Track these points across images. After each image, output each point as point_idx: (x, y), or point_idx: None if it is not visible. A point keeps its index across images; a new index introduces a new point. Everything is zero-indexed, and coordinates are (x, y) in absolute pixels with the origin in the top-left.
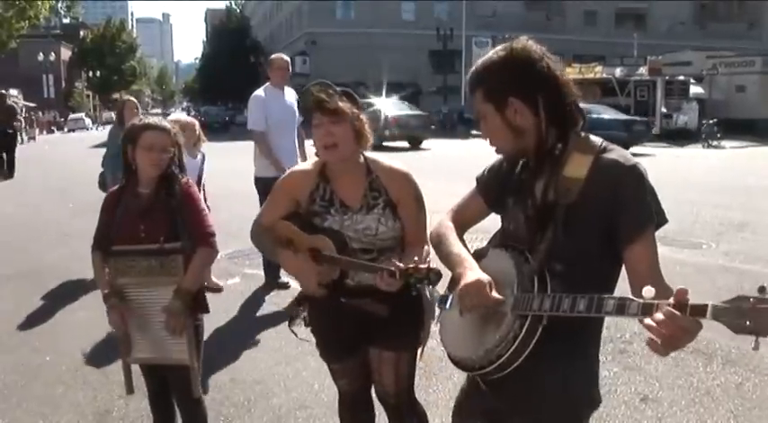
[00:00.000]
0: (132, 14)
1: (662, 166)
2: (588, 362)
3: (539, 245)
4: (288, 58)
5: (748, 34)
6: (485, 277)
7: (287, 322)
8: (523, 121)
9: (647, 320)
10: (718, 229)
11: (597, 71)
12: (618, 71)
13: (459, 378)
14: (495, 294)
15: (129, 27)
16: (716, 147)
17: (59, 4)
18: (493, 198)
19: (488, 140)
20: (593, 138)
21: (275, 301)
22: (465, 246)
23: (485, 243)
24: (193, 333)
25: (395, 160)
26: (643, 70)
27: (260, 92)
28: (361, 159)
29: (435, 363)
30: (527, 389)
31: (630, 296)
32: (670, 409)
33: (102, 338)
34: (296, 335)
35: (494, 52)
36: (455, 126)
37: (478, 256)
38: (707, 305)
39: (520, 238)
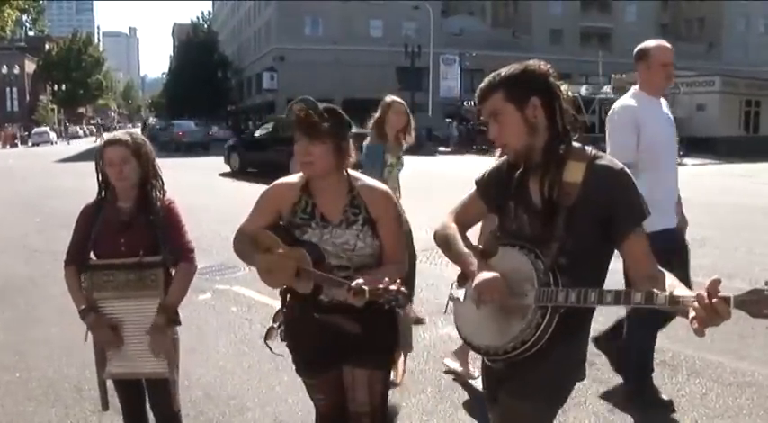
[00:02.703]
0: (99, 28)
1: None
2: (586, 342)
3: (550, 243)
4: None
5: (708, 54)
6: (498, 275)
7: (263, 337)
8: (539, 120)
9: (697, 310)
10: None
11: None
12: (583, 89)
13: (431, 391)
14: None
15: (96, 41)
16: (679, 164)
17: (24, 17)
18: (493, 200)
19: (499, 139)
20: (584, 147)
21: (247, 317)
22: (471, 244)
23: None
24: (171, 346)
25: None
26: (608, 88)
27: (629, 100)
28: (344, 175)
29: (408, 377)
30: (540, 363)
31: (656, 290)
32: (638, 420)
33: (74, 354)
34: (271, 349)
35: (509, 68)
36: (423, 143)
37: (487, 254)
38: (729, 297)
39: (525, 237)
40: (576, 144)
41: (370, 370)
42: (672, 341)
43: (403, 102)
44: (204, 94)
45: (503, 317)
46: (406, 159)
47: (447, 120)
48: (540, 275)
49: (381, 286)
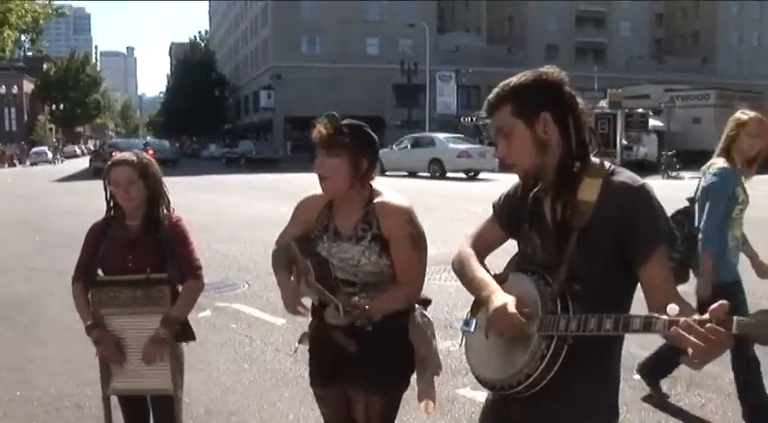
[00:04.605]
0: (96, 48)
1: None
2: (613, 379)
3: (559, 267)
4: None
5: (703, 68)
6: (512, 300)
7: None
8: (551, 136)
9: (679, 331)
10: None
11: None
12: None
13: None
14: (522, 317)
15: (93, 60)
16: (675, 177)
17: (23, 37)
18: (509, 223)
19: (507, 157)
20: (602, 161)
21: (247, 334)
22: (487, 271)
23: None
24: (176, 362)
25: (401, 195)
26: (603, 103)
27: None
28: (365, 190)
29: (408, 390)
30: (553, 403)
31: (656, 314)
32: None
33: (74, 372)
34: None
35: (519, 76)
36: None
37: (499, 281)
38: (732, 320)
39: (537, 262)
40: (593, 159)
41: (369, 394)
42: None
43: (765, 120)
44: (202, 112)
45: (508, 349)
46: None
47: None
48: (547, 302)
49: (351, 303)
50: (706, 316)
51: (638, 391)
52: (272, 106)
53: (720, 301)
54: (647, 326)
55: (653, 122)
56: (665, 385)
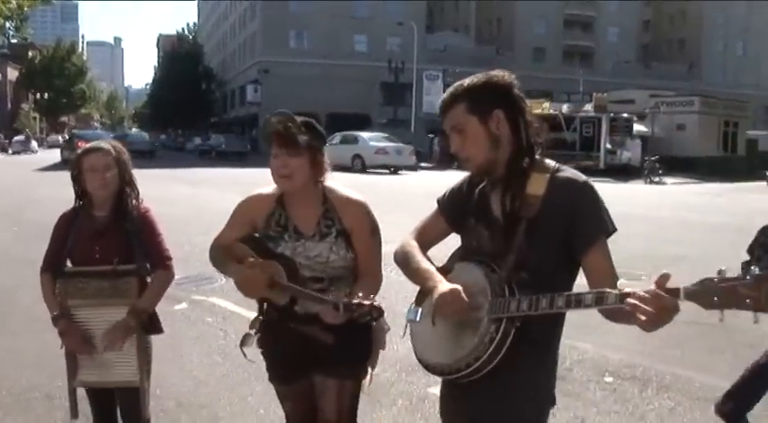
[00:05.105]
0: (83, 37)
1: (605, 201)
2: (554, 365)
3: (507, 256)
4: None
5: (689, 75)
6: (458, 286)
7: (239, 343)
8: (503, 132)
9: (632, 300)
10: (656, 262)
11: (545, 107)
12: (565, 107)
13: (402, 403)
14: (471, 300)
15: (80, 49)
16: (658, 183)
17: (8, 24)
18: (455, 217)
19: (461, 152)
20: (547, 160)
21: (222, 328)
22: (431, 262)
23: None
24: (143, 354)
25: (352, 190)
26: (589, 107)
27: None
28: (319, 187)
29: (380, 389)
30: (500, 389)
31: (606, 289)
32: None
33: (45, 363)
34: (245, 355)
35: (472, 78)
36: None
37: (444, 271)
38: (678, 288)
39: (485, 253)
40: (538, 157)
41: (342, 380)
42: (643, 356)
43: None
44: (188, 105)
45: (457, 333)
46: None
47: (429, 135)
48: (495, 288)
49: (356, 302)
50: (653, 287)
51: (609, 392)
52: (259, 101)
53: (663, 273)
54: (599, 300)
55: (637, 127)
56: (635, 388)
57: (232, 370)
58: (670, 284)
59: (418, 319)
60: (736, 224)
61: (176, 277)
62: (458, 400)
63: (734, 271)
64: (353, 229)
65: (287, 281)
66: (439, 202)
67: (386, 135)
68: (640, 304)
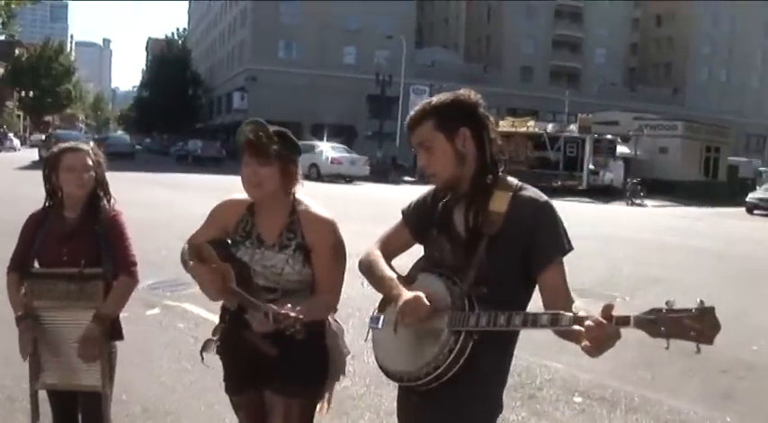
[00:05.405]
0: (72, 37)
1: (585, 221)
2: (506, 374)
3: (468, 270)
4: None
5: (673, 99)
6: (422, 294)
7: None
8: (468, 150)
9: (578, 327)
10: (634, 284)
11: (530, 125)
12: (550, 126)
13: (370, 417)
14: (433, 306)
15: (68, 49)
16: (639, 205)
17: None
18: (418, 229)
19: (428, 167)
20: (509, 178)
21: (193, 334)
22: (395, 271)
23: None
24: (107, 359)
25: (325, 207)
26: (573, 127)
27: None
28: (289, 199)
29: (348, 401)
30: (455, 396)
31: (561, 311)
32: None
33: (10, 365)
34: (202, 359)
35: (440, 96)
36: (388, 171)
37: (407, 280)
38: (629, 316)
39: (446, 265)
40: (501, 175)
41: (288, 399)
42: (613, 378)
43: None
44: (174, 110)
45: (417, 342)
46: (368, 187)
47: (413, 149)
48: (456, 300)
49: (283, 312)
50: (599, 315)
51: (578, 412)
52: (245, 108)
53: (606, 304)
54: (554, 321)
55: (621, 149)
56: (603, 409)
57: (200, 377)
58: (619, 312)
59: (380, 326)
60: (716, 249)
61: (150, 282)
62: (415, 406)
63: (687, 302)
64: (314, 246)
65: (236, 285)
66: (403, 212)
67: (343, 146)
68: (587, 332)
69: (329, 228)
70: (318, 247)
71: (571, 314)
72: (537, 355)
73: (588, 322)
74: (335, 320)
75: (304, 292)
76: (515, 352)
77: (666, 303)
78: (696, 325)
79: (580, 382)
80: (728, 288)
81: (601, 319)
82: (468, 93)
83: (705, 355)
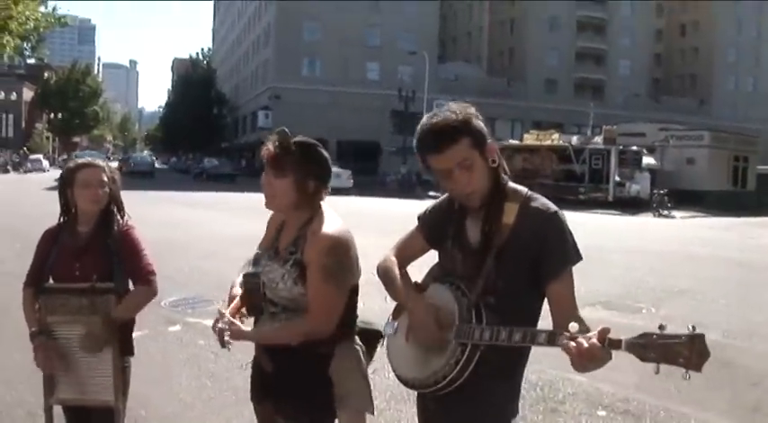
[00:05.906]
0: (99, 59)
1: (612, 233)
2: (517, 380)
3: (476, 281)
4: None
5: (699, 110)
6: (432, 311)
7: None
8: (498, 163)
9: (572, 344)
10: (660, 295)
11: (554, 138)
12: (574, 139)
13: None
14: (440, 328)
15: (96, 71)
16: (666, 216)
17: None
18: (433, 236)
19: (468, 186)
20: (518, 187)
21: (213, 350)
22: (409, 279)
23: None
24: (121, 375)
25: (335, 223)
26: (598, 139)
27: None
28: (308, 213)
29: (368, 417)
30: (468, 403)
31: (558, 330)
32: None
33: (33, 380)
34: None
35: (450, 113)
36: (413, 187)
37: (420, 289)
38: (621, 340)
39: (457, 275)
40: (510, 185)
41: (283, 418)
42: (638, 390)
43: None
44: (199, 129)
45: (427, 351)
46: (393, 202)
47: (428, 169)
48: (463, 312)
49: (219, 327)
50: (596, 337)
51: None
52: (270, 126)
53: (602, 327)
54: (551, 340)
55: (646, 160)
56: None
57: (220, 393)
58: (613, 336)
59: (394, 332)
60: (746, 259)
61: (172, 299)
62: (431, 412)
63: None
64: (308, 263)
65: (242, 294)
66: (419, 218)
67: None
68: (576, 349)
69: (326, 245)
70: (310, 267)
71: (567, 334)
72: (560, 368)
73: (581, 340)
74: (357, 345)
75: (298, 311)
76: (538, 366)
77: (659, 328)
78: (685, 351)
79: (604, 395)
80: (758, 299)
81: (594, 340)
82: (467, 105)
83: (735, 367)
